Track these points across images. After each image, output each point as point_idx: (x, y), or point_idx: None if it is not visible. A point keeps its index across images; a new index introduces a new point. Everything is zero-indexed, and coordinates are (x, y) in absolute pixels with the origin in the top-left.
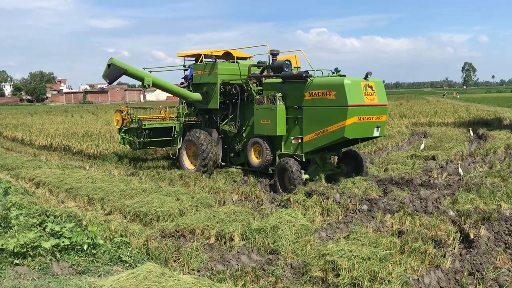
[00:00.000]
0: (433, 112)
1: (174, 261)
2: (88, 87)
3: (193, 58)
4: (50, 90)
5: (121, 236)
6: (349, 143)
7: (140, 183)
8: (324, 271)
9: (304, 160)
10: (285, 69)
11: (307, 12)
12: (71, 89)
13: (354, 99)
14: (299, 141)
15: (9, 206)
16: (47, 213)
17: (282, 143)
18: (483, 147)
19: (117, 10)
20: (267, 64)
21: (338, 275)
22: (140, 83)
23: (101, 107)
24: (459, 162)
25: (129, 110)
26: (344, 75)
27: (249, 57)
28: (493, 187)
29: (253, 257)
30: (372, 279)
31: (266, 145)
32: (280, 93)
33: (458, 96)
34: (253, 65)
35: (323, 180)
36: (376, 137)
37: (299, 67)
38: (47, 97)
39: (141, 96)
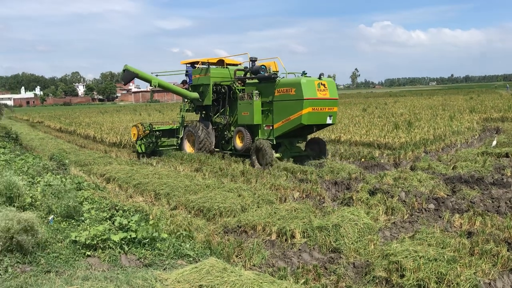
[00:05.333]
0: (507, 106)
1: (236, 256)
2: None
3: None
4: (120, 89)
5: (185, 230)
6: (310, 129)
7: (203, 179)
8: (388, 271)
9: (275, 143)
10: (261, 72)
11: (371, 5)
12: (139, 88)
13: (308, 93)
14: (270, 128)
15: (81, 200)
16: (116, 208)
17: (259, 130)
18: None
19: (182, 10)
20: (248, 68)
21: (402, 276)
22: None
23: (166, 105)
24: None
25: (143, 124)
26: (309, 77)
27: (240, 64)
28: None
29: (314, 255)
30: (439, 281)
31: (247, 132)
32: (257, 91)
33: None
34: (238, 70)
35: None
36: (330, 124)
37: (277, 71)
38: (117, 96)
39: None
